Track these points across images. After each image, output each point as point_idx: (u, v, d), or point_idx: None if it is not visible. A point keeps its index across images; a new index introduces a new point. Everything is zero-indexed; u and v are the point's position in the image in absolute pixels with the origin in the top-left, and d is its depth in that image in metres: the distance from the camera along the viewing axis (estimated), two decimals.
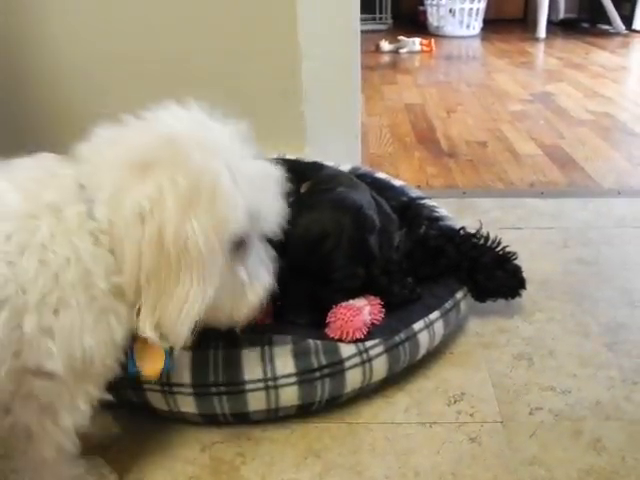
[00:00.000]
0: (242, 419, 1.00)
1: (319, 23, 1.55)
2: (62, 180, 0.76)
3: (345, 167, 1.45)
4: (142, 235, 0.73)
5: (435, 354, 1.17)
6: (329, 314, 1.06)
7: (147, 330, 0.76)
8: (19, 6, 1.58)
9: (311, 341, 1.00)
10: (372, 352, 1.02)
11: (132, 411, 1.05)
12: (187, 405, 0.98)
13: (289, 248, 1.10)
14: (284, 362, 0.97)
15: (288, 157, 1.43)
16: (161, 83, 1.63)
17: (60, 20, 1.60)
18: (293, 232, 1.12)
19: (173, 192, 0.73)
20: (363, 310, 1.05)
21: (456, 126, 2.60)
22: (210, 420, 1.01)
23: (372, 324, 1.06)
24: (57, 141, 1.53)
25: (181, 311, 0.75)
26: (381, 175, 1.52)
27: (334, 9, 1.53)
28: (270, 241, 1.17)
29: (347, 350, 1.00)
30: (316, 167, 1.34)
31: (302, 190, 1.24)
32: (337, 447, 0.99)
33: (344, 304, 1.07)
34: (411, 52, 4.29)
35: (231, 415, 0.99)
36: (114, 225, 0.74)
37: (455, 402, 1.08)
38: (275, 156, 1.42)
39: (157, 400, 0.99)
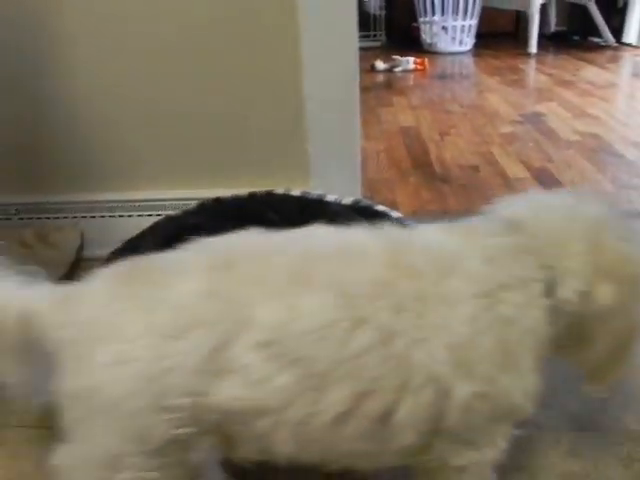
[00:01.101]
0: None
1: (322, 70, 1.71)
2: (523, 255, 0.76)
3: (347, 200, 1.59)
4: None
5: None
6: None
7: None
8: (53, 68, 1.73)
9: None
10: None
11: None
12: None
13: None
14: None
15: (293, 193, 1.58)
16: (175, 124, 1.79)
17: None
18: None
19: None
20: None
21: (449, 150, 2.73)
22: None
23: None
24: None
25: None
26: (380, 208, 1.67)
27: (337, 58, 1.69)
28: None
29: None
30: (323, 203, 1.49)
31: None
32: None
33: None
34: (405, 71, 4.45)
35: None
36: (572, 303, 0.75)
37: None
38: (281, 191, 1.58)
39: None
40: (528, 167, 2.47)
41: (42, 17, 1.68)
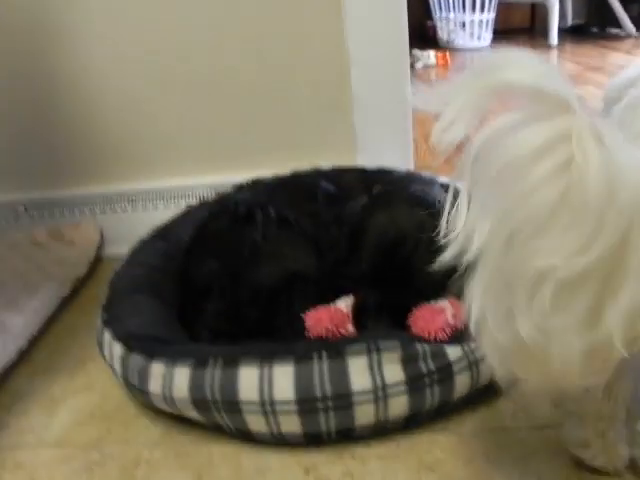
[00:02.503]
0: (347, 436, 0.94)
1: (368, 28, 1.51)
2: None
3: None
4: None
5: None
6: (409, 317, 1.00)
7: None
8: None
9: (418, 345, 0.93)
10: (478, 354, 0.95)
11: (223, 437, 0.99)
12: (290, 425, 0.91)
13: (364, 252, 1.04)
14: (393, 370, 0.90)
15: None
16: (211, 97, 1.58)
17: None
18: (368, 235, 1.07)
19: None
20: (445, 311, 0.99)
21: None
22: (313, 440, 0.94)
23: (455, 327, 0.99)
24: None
25: None
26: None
27: (384, 13, 1.49)
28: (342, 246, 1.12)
29: (454, 353, 0.94)
30: (384, 171, 1.29)
31: (374, 192, 1.19)
32: (450, 459, 0.92)
33: (425, 305, 1.00)
34: (426, 66, 4.26)
35: (336, 432, 0.92)
36: None
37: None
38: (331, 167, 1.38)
39: (256, 422, 0.92)
40: None
41: None
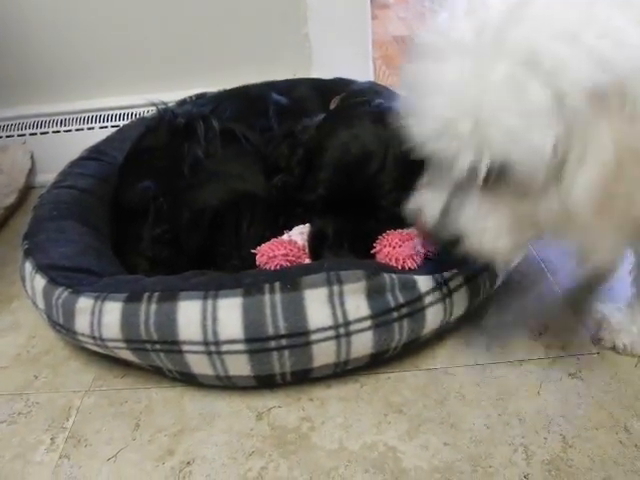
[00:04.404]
0: (303, 377, 0.83)
1: None
2: None
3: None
4: None
5: (503, 286, 1.00)
6: (375, 243, 0.89)
7: None
8: None
9: (386, 275, 0.81)
10: (452, 284, 0.85)
11: (164, 381, 0.87)
12: (239, 367, 0.79)
13: (322, 173, 0.91)
14: (356, 303, 0.79)
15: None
16: (152, 8, 1.42)
17: None
18: (326, 154, 0.93)
19: None
20: (414, 237, 0.87)
21: None
22: (265, 382, 0.83)
23: (425, 256, 0.87)
24: None
25: None
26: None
27: None
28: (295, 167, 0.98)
29: (426, 284, 0.83)
30: (343, 82, 1.15)
31: (332, 106, 1.05)
32: (420, 399, 0.82)
33: (392, 232, 0.88)
34: None
35: (291, 374, 0.81)
36: None
37: (540, 335, 0.91)
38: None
39: (199, 364, 0.80)
40: None
41: None
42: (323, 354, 0.79)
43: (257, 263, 0.89)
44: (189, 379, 0.85)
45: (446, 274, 0.85)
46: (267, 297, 0.77)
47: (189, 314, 0.78)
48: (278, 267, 0.87)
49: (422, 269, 0.85)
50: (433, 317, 0.83)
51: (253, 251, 0.89)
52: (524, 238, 0.71)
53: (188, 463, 0.77)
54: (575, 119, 0.59)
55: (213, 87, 1.30)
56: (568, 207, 0.62)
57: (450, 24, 0.65)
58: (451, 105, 0.62)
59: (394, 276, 0.81)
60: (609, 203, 0.62)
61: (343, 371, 0.85)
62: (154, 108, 1.08)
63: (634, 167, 0.60)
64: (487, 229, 0.68)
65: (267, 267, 0.88)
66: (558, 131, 0.59)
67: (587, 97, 0.58)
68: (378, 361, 0.86)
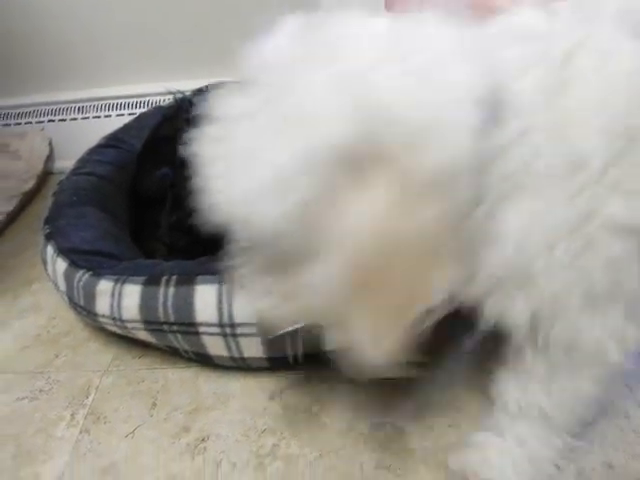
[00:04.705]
0: (316, 359, 0.86)
1: None
2: None
3: None
4: None
5: None
6: None
7: None
8: None
9: None
10: None
11: (180, 362, 0.91)
12: (253, 349, 0.82)
13: None
14: None
15: None
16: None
17: None
18: None
19: None
20: None
21: None
22: (279, 364, 0.86)
23: None
24: None
25: None
26: None
27: None
28: None
29: None
30: None
31: None
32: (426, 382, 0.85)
33: None
34: None
35: (304, 356, 0.84)
36: None
37: None
38: None
39: (215, 345, 0.83)
40: None
41: None
42: None
43: None
44: (204, 360, 0.88)
45: None
46: None
47: (205, 297, 0.80)
48: None
49: None
50: None
51: None
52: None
53: (203, 440, 0.80)
54: (324, 186, 0.47)
55: (231, 76, 1.32)
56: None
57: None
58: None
59: None
60: (374, 295, 0.50)
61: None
62: (171, 96, 1.11)
63: (402, 258, 0.49)
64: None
65: None
66: (305, 197, 0.47)
67: (338, 160, 0.46)
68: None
